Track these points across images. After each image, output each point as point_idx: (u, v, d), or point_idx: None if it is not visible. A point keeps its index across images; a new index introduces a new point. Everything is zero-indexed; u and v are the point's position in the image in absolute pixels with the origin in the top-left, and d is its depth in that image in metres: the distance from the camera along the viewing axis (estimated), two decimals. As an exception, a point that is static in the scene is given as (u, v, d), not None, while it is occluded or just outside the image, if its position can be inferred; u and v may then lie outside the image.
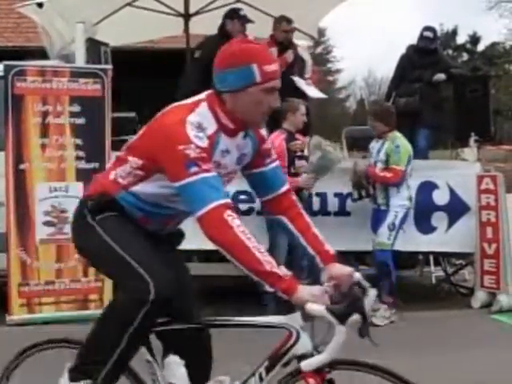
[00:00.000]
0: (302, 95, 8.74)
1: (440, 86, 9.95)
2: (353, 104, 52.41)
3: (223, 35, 8.82)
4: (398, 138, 7.79)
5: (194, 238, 7.93)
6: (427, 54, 9.85)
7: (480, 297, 8.27)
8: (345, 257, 7.96)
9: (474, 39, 48.53)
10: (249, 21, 8.85)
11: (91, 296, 7.71)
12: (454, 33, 48.82)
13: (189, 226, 7.93)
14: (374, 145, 7.94)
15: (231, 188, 7.79)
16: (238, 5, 9.94)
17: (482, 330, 7.49)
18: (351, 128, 10.53)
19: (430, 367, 6.14)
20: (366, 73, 65.45)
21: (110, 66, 7.96)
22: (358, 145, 10.30)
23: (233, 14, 8.92)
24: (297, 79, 8.74)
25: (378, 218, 7.76)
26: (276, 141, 7.68)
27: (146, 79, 9.57)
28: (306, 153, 7.76)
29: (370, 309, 3.30)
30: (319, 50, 53.79)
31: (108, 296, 7.68)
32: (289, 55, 8.85)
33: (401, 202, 7.71)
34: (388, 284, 7.67)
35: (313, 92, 8.81)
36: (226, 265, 8.22)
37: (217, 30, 9.03)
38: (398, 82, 10.10)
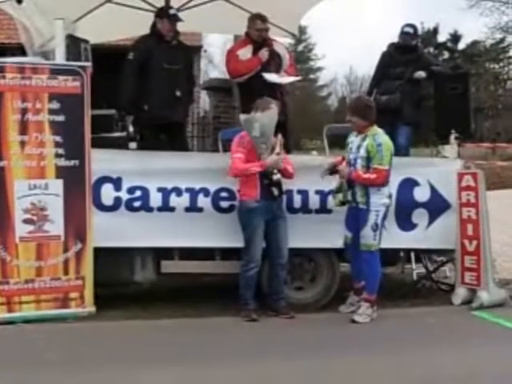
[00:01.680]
0: (279, 91, 8.72)
1: (421, 84, 9.97)
2: (334, 102, 52.41)
3: (154, 35, 8.78)
4: (379, 135, 7.66)
5: (175, 236, 8.01)
6: (408, 52, 9.87)
7: (461, 293, 8.28)
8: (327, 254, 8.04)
9: (455, 38, 48.74)
10: (179, 19, 8.76)
11: (72, 294, 7.64)
12: (435, 31, 48.99)
13: (170, 223, 7.99)
14: (354, 139, 7.78)
15: (212, 186, 7.88)
16: (217, 2, 9.89)
17: (463, 326, 7.51)
18: (333, 125, 10.44)
19: (411, 363, 6.15)
20: (347, 71, 65.46)
21: (89, 64, 7.89)
22: (340, 142, 10.27)
23: (162, 13, 8.82)
24: (266, 75, 8.67)
25: (356, 217, 7.66)
26: (246, 138, 7.68)
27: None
28: (277, 150, 7.71)
29: None
30: (301, 47, 53.93)
31: (89, 294, 7.64)
32: (263, 54, 8.77)
33: (381, 200, 7.60)
34: (372, 283, 7.65)
35: (284, 79, 8.75)
36: (207, 263, 8.29)
37: (196, 27, 8.99)
38: (379, 79, 10.10)
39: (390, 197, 7.73)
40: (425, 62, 10.04)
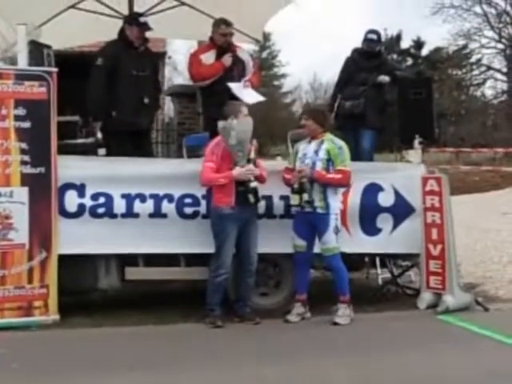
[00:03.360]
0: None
1: (385, 89, 10.00)
2: (299, 108, 52.28)
3: (123, 40, 8.71)
4: (337, 139, 7.82)
5: (139, 242, 7.95)
6: (372, 57, 9.90)
7: (426, 298, 8.30)
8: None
9: (418, 44, 49.09)
10: (148, 28, 8.70)
11: (36, 303, 7.56)
12: (399, 38, 49.29)
13: (135, 230, 7.92)
14: (306, 146, 7.85)
15: (176, 192, 7.83)
16: (182, 8, 9.87)
17: (428, 330, 7.52)
18: (297, 130, 10.43)
19: (376, 368, 6.15)
20: (311, 77, 65.67)
21: (55, 69, 7.81)
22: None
23: (131, 20, 8.76)
24: (232, 86, 8.61)
25: (312, 223, 7.68)
26: (221, 145, 7.64)
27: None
28: (252, 156, 7.70)
29: None
30: (265, 54, 53.99)
31: (53, 302, 7.56)
32: (226, 60, 8.75)
33: (338, 203, 7.78)
34: (345, 284, 7.72)
35: (250, 97, 8.67)
36: (172, 269, 8.23)
37: (160, 33, 8.92)
38: (343, 84, 10.10)
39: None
40: (388, 67, 10.09)
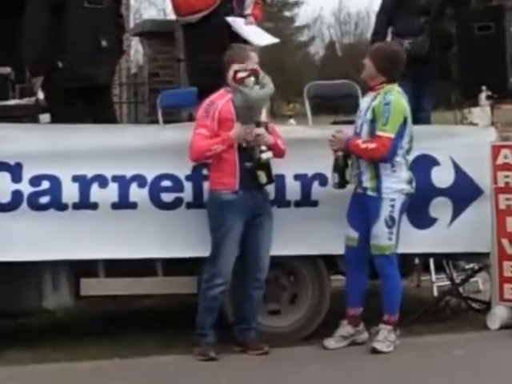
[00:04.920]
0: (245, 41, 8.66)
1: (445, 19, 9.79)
2: (319, 49, 52.44)
3: None
4: (392, 92, 7.65)
5: (99, 243, 7.92)
6: None
7: (499, 314, 8.32)
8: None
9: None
10: None
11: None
12: None
13: (92, 226, 7.92)
14: (366, 100, 7.88)
15: (150, 172, 7.81)
16: None
17: (503, 359, 7.52)
18: (317, 83, 10.39)
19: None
20: (335, 5, 65.58)
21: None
22: (327, 106, 10.24)
23: None
24: (233, 21, 8.61)
25: (363, 208, 7.71)
26: (220, 102, 7.62)
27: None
28: (262, 118, 7.65)
29: None
30: (270, -27, 53.73)
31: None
32: None
33: (397, 185, 7.66)
34: (394, 300, 7.75)
35: (257, 37, 8.66)
36: (145, 281, 8.24)
37: None
38: (391, 12, 9.83)
39: (410, 182, 7.73)
40: None
